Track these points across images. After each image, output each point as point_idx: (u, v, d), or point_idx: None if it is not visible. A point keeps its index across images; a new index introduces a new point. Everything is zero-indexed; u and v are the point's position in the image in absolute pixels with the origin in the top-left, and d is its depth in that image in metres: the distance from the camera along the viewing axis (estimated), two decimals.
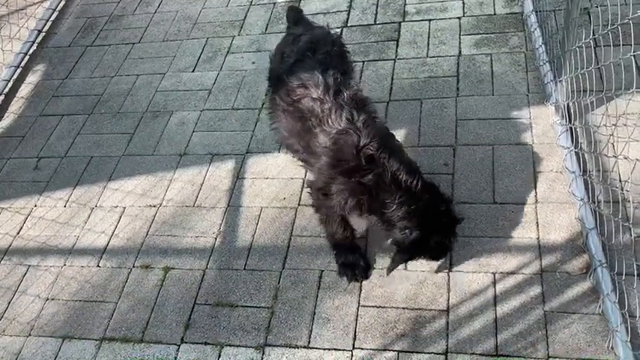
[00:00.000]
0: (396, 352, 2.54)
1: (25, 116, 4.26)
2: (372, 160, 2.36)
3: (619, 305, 2.36)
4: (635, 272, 2.40)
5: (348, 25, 4.29)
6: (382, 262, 2.86)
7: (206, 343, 2.73)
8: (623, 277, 2.38)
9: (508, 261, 2.74)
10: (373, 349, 2.57)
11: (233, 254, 3.06)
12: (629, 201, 2.78)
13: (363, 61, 3.94)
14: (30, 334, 2.94)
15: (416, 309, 2.66)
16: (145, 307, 2.94)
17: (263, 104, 3.85)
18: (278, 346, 2.66)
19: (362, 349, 2.58)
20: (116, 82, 4.35)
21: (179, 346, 2.75)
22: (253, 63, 4.20)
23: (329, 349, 2.60)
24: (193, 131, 3.81)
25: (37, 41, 4.92)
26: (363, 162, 2.35)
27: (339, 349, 2.59)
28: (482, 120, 3.37)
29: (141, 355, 2.75)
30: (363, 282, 2.80)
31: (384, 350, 2.55)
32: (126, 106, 4.12)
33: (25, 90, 4.50)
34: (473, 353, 2.47)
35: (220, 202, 3.33)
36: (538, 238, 2.79)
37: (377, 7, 4.37)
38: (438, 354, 2.50)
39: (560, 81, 3.06)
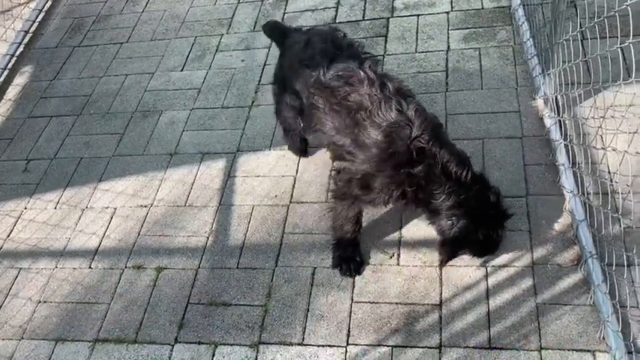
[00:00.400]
0: (390, 348, 2.55)
1: (13, 118, 4.23)
2: (422, 151, 2.36)
3: (610, 296, 2.38)
4: (625, 263, 2.41)
5: (337, 21, 4.28)
6: (375, 258, 2.86)
7: (200, 343, 2.73)
8: (614, 267, 2.40)
9: (500, 254, 2.75)
10: (367, 345, 2.57)
11: (225, 253, 3.06)
12: (618, 192, 2.80)
13: None
14: (22, 338, 2.92)
15: (409, 304, 2.67)
16: (138, 307, 2.93)
17: (253, 102, 3.84)
18: (272, 343, 2.66)
19: (356, 345, 2.59)
20: (105, 83, 4.32)
21: (173, 346, 2.74)
22: (242, 61, 4.19)
23: (323, 346, 2.61)
24: (183, 130, 3.80)
25: (23, 42, 4.88)
26: (415, 154, 2.35)
27: (333, 346, 2.60)
28: (471, 114, 3.38)
29: (135, 356, 2.74)
30: (356, 278, 2.81)
31: (378, 346, 2.56)
32: (115, 107, 4.10)
33: (12, 92, 4.47)
34: (466, 347, 2.49)
35: (212, 201, 3.33)
36: (529, 231, 2.81)
37: (365, 3, 4.36)
38: (431, 348, 2.51)
39: (548, 74, 3.08)
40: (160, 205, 3.38)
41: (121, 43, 4.65)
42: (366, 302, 2.72)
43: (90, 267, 3.16)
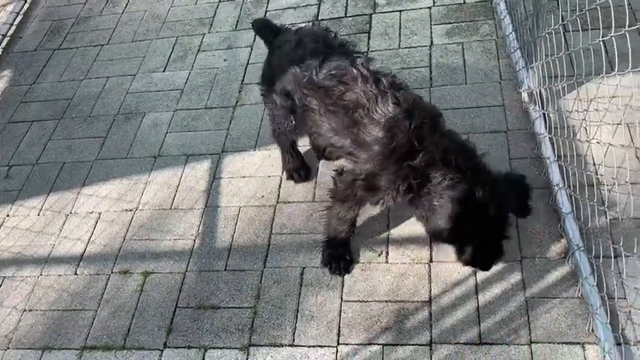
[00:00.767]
0: (381, 346, 2.54)
1: None
2: (423, 141, 2.31)
3: (597, 288, 2.39)
4: (613, 254, 2.42)
5: (319, 18, 4.26)
6: (364, 256, 2.85)
7: (189, 347, 2.70)
8: (601, 259, 2.41)
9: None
10: (358, 344, 2.56)
11: (213, 255, 3.03)
12: (603, 184, 2.82)
13: None
14: (8, 347, 2.88)
15: (398, 301, 2.67)
16: (126, 313, 2.90)
17: (237, 102, 3.81)
18: (262, 345, 2.64)
19: (347, 344, 2.58)
20: (86, 85, 4.26)
21: (162, 351, 2.71)
22: (225, 60, 4.15)
23: (314, 346, 2.60)
24: (167, 132, 3.76)
25: (1, 46, 4.81)
26: (416, 144, 2.31)
27: (324, 346, 2.59)
28: (456, 109, 3.38)
29: None
30: (346, 277, 2.80)
31: (369, 344, 2.55)
32: (97, 110, 4.05)
33: None
34: (457, 343, 2.49)
35: (198, 203, 3.30)
36: (516, 225, 2.81)
37: (347, 0, 4.34)
38: (422, 345, 2.51)
39: (531, 67, 3.08)
40: (145, 209, 3.34)
41: (102, 45, 4.59)
42: (355, 301, 2.71)
43: (75, 273, 3.12)
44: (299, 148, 3.23)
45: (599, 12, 2.45)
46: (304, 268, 2.88)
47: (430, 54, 3.76)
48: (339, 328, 2.64)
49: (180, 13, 4.69)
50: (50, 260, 3.22)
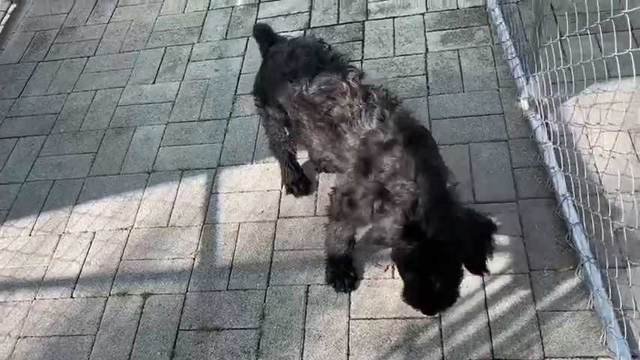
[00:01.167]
0: None
1: None
2: (392, 154, 2.16)
3: (612, 302, 2.35)
4: (620, 265, 2.39)
5: (311, 26, 4.20)
6: (370, 272, 2.80)
7: None
8: (615, 271, 2.38)
9: (494, 261, 2.69)
10: None
11: (214, 275, 2.96)
12: (607, 193, 2.80)
13: None
14: None
15: (407, 318, 2.62)
16: (126, 337, 2.81)
17: (231, 114, 3.74)
18: None
19: None
20: (73, 99, 4.15)
21: None
22: (216, 71, 4.07)
23: None
24: (160, 146, 3.67)
25: None
26: (384, 160, 2.17)
27: None
28: (455, 118, 3.35)
29: None
30: (352, 293, 2.75)
31: None
32: (86, 124, 3.94)
33: None
34: None
35: (195, 219, 3.22)
36: (522, 236, 2.78)
37: (338, 7, 4.29)
38: None
39: (533, 76, 3.06)
40: (141, 227, 3.25)
41: (88, 57, 4.48)
42: (363, 319, 2.66)
43: (71, 296, 3.03)
44: (298, 160, 3.17)
45: (599, 17, 2.45)
46: (309, 285, 2.82)
47: (426, 61, 3.72)
48: (348, 347, 2.58)
49: (167, 22, 4.60)
50: (44, 283, 3.11)
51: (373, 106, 2.33)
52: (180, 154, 3.59)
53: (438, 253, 2.01)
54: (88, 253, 3.20)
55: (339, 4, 4.31)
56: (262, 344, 2.66)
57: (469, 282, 2.67)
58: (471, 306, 2.61)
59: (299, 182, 3.17)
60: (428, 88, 3.57)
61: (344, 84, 2.42)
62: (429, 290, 2.10)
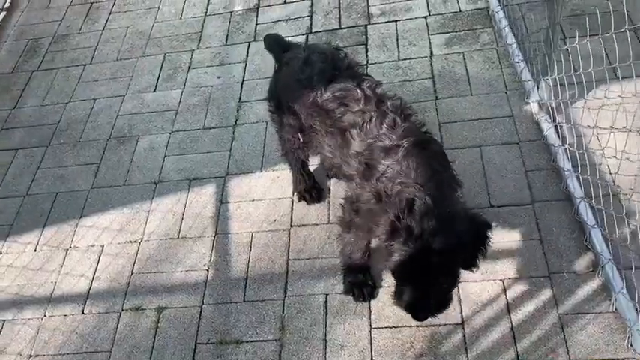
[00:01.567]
0: None
1: None
2: (394, 160, 2.17)
3: (639, 305, 2.35)
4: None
5: (313, 31, 4.17)
6: (388, 279, 2.78)
7: None
8: (633, 271, 2.39)
9: (514, 266, 2.72)
10: None
11: (229, 286, 2.91)
12: (621, 193, 2.81)
13: None
14: None
15: (430, 325, 2.60)
16: (142, 353, 2.75)
17: (236, 121, 3.69)
18: None
19: None
20: (72, 109, 4.07)
21: None
22: (218, 77, 4.02)
23: None
24: (165, 156, 3.61)
25: None
26: (385, 163, 2.18)
27: None
28: (465, 122, 3.34)
29: None
30: (372, 302, 2.72)
31: None
32: (87, 134, 3.87)
33: None
34: None
35: (206, 230, 3.17)
36: (540, 239, 2.78)
37: (340, 11, 4.27)
38: None
39: (545, 79, 3.06)
40: (151, 239, 3.19)
41: (84, 65, 4.40)
42: (385, 327, 2.64)
43: (83, 312, 2.96)
44: (309, 167, 3.14)
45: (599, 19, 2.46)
46: (327, 294, 2.79)
47: (431, 65, 3.71)
48: (372, 356, 2.56)
49: (165, 28, 4.53)
50: (53, 299, 3.04)
51: (386, 113, 2.32)
52: (186, 163, 3.53)
53: (430, 258, 1.98)
54: (97, 267, 3.13)
55: (339, 7, 4.29)
56: (284, 356, 2.62)
57: (489, 287, 2.67)
58: (493, 311, 2.60)
59: (311, 190, 3.14)
60: (435, 91, 3.55)
61: (358, 91, 2.41)
62: (418, 296, 2.09)
